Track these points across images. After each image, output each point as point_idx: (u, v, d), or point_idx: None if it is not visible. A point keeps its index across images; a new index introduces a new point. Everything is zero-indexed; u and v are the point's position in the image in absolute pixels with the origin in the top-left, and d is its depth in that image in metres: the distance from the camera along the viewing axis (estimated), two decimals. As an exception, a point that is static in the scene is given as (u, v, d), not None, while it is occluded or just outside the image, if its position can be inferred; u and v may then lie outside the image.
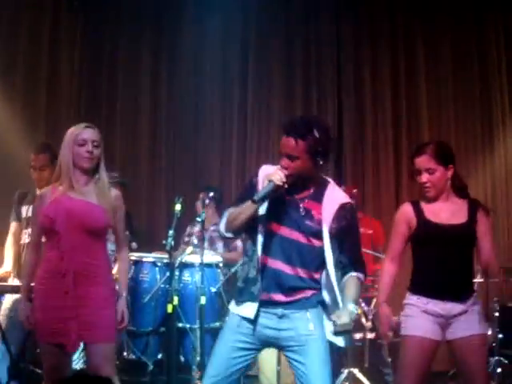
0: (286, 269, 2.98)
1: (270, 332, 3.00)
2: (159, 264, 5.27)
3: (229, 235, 3.11)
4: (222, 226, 3.11)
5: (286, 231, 2.99)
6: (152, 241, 6.13)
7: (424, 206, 3.42)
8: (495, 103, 7.14)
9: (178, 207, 4.60)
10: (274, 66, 7.32)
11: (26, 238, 4.48)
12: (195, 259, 5.19)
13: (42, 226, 3.32)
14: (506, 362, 5.46)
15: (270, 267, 2.99)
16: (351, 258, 2.99)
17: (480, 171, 7.08)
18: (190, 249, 5.28)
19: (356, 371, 5.20)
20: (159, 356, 5.19)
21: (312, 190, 3.03)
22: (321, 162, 2.95)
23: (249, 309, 3.01)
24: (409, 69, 7.23)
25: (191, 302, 5.09)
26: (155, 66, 7.41)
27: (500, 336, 5.42)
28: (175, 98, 7.36)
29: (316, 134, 2.90)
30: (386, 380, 5.47)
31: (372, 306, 5.36)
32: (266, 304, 2.99)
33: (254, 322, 3.00)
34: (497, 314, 5.48)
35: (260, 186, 3.02)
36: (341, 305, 2.91)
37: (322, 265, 2.99)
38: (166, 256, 4.90)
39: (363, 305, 5.29)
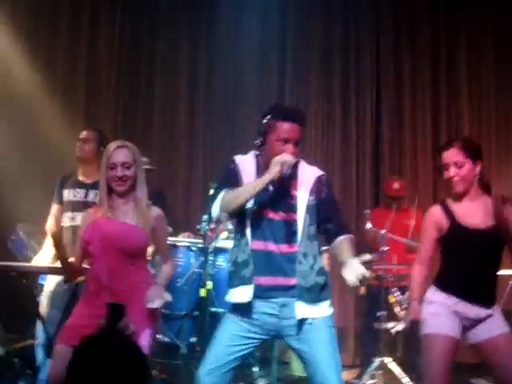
0: (277, 249, 3.00)
1: (271, 319, 2.99)
2: (194, 248, 5.26)
3: (223, 216, 3.13)
4: (216, 208, 3.09)
5: (271, 214, 3.04)
6: (188, 225, 6.15)
7: (453, 206, 3.32)
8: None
9: (212, 192, 4.59)
10: (312, 55, 7.31)
11: (66, 221, 4.56)
12: (230, 244, 5.18)
13: (80, 247, 3.37)
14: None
15: (261, 250, 3.01)
16: (338, 224, 3.06)
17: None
18: (224, 234, 5.29)
19: (388, 360, 5.19)
20: (192, 339, 5.21)
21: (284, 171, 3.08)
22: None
23: (243, 293, 3.00)
24: (449, 57, 7.12)
25: (225, 286, 5.03)
26: (193, 55, 7.44)
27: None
28: (213, 84, 7.39)
29: None
30: (419, 370, 5.40)
31: (406, 295, 5.30)
32: (264, 290, 2.97)
33: (250, 307, 2.98)
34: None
35: (246, 174, 3.08)
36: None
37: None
38: (201, 240, 4.94)
39: (397, 294, 5.25)
